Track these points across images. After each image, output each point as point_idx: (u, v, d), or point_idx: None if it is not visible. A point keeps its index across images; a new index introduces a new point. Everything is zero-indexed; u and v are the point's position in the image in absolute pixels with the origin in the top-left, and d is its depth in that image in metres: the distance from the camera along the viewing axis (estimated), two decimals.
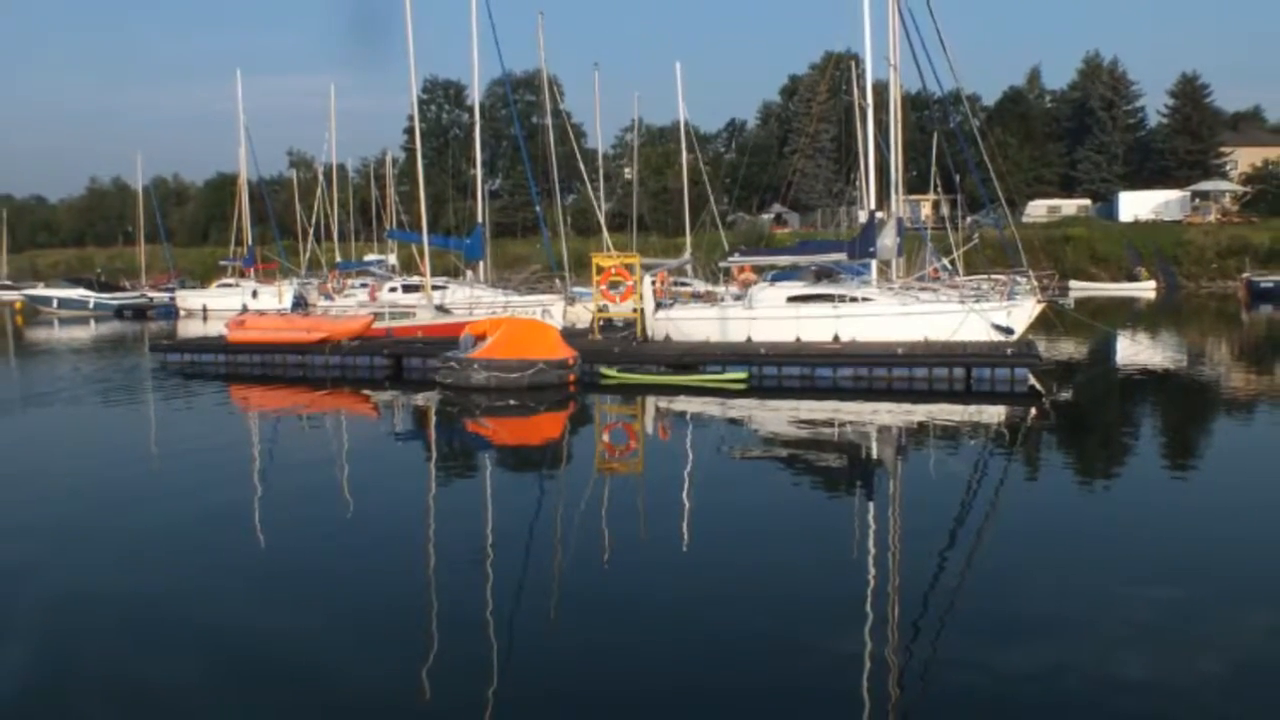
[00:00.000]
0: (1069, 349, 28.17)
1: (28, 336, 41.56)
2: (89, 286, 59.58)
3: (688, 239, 42.64)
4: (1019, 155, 77.92)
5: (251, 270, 52.59)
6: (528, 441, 17.09)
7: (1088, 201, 75.83)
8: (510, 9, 36.60)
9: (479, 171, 32.19)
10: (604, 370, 20.82)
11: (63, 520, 10.88)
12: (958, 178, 43.45)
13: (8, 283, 78.79)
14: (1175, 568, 8.80)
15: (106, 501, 11.82)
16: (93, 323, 49.56)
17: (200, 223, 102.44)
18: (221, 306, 47.89)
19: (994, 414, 18.01)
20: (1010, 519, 10.86)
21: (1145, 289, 58.34)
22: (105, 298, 56.61)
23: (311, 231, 58.11)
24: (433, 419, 18.45)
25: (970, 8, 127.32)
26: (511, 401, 18.85)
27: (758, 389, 19.96)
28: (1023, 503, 11.70)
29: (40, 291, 61.17)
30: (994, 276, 25.16)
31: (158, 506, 11.38)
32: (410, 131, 71.60)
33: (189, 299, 54.79)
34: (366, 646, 7.14)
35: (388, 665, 6.75)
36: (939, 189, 48.60)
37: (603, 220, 38.62)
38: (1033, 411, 18.02)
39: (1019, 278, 23.80)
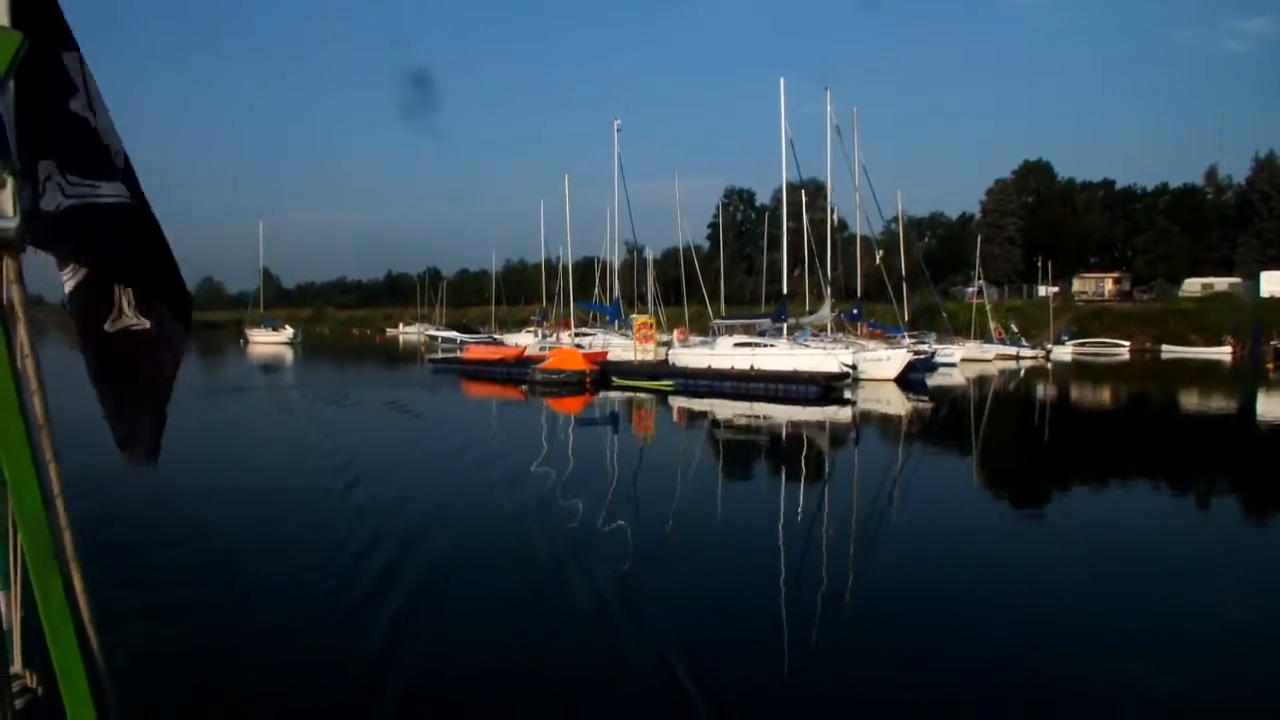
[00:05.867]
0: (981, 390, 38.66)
1: (425, 356, 63.37)
2: (460, 329, 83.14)
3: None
4: (1180, 240, 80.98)
5: (542, 322, 72.25)
6: (558, 410, 32.32)
7: (1239, 279, 76.81)
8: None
9: (651, 276, 48.25)
10: (613, 379, 35.76)
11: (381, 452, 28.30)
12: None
13: (445, 327, 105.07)
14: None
15: (387, 442, 29.14)
16: None
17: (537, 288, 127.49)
18: (519, 342, 67.45)
19: (808, 411, 29.10)
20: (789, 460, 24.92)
21: (1222, 353, 61.40)
22: (467, 336, 79.15)
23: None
24: (525, 396, 34.39)
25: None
26: (555, 390, 34.33)
27: (682, 391, 33.87)
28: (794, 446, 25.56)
29: (434, 331, 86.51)
30: (851, 336, 37.08)
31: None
32: (714, 225, 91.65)
33: (505, 339, 75.70)
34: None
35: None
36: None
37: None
38: (836, 408, 29.64)
39: (916, 337, 35.80)
